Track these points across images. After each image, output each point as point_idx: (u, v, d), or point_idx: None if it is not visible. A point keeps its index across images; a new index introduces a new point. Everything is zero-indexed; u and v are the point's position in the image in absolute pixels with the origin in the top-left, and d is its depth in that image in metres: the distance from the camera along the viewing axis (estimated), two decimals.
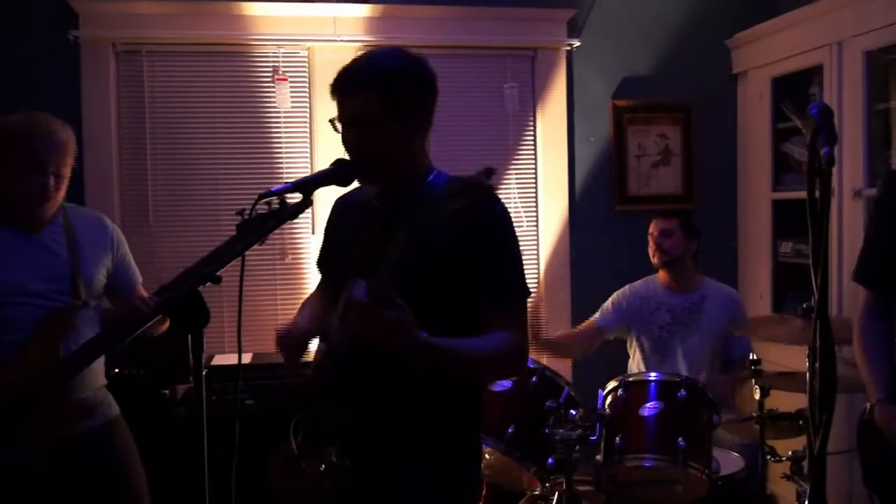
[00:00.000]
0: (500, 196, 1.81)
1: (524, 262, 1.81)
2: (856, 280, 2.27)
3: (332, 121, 1.75)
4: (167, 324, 2.47)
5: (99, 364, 2.44)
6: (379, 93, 1.67)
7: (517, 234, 1.79)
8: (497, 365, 1.74)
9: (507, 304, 1.74)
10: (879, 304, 2.21)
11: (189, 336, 1.44)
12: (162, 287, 2.11)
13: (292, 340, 1.84)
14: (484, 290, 1.71)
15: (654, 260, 3.45)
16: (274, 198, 1.59)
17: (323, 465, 1.79)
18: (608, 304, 3.57)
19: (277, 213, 1.59)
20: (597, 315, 3.58)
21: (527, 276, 1.81)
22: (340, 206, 2.00)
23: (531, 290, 3.98)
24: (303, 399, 1.90)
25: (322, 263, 2.03)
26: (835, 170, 3.52)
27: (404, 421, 1.74)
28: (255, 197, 1.64)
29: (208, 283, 1.47)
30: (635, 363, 3.47)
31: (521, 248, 1.80)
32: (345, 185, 1.74)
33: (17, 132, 2.25)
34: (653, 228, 3.47)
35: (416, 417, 1.74)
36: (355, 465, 1.78)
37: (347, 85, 1.71)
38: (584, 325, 3.61)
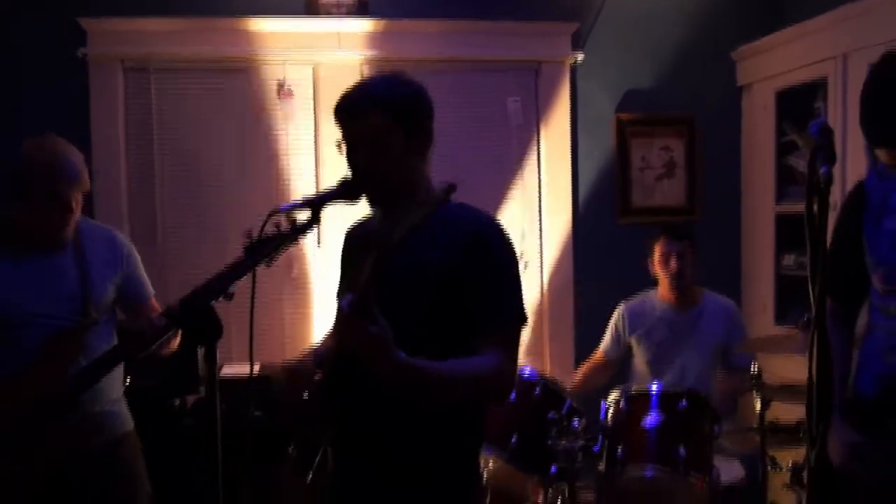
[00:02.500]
0: (504, 207, 1.84)
1: (527, 274, 1.82)
2: None
3: (338, 143, 1.78)
4: (177, 341, 2.48)
5: (114, 376, 2.43)
6: (386, 115, 1.71)
7: (517, 254, 1.80)
8: (480, 389, 1.70)
9: (499, 327, 1.72)
10: (838, 310, 2.22)
11: (202, 349, 1.47)
12: (169, 308, 2.12)
13: (296, 375, 1.87)
14: (476, 312, 1.71)
15: (670, 283, 3.39)
16: (282, 217, 1.62)
17: (312, 472, 1.81)
18: (608, 331, 3.59)
19: (285, 233, 1.62)
20: (603, 344, 3.60)
21: (525, 304, 1.78)
22: (350, 238, 2.02)
23: (536, 301, 4.04)
24: (302, 417, 1.92)
25: (340, 296, 2.02)
26: (838, 184, 3.56)
27: (398, 431, 1.74)
28: (263, 212, 1.67)
29: (220, 299, 1.50)
30: (636, 375, 3.49)
31: (518, 272, 1.78)
32: (353, 202, 1.77)
33: (39, 164, 2.26)
34: (665, 248, 3.38)
35: (410, 429, 1.74)
36: (348, 474, 1.80)
37: (354, 108, 1.74)
38: (595, 357, 3.62)
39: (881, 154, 2.15)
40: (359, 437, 1.78)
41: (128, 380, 2.55)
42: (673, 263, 3.36)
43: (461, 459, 1.81)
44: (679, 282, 3.39)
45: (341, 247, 2.03)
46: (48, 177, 2.25)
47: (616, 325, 3.58)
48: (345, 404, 1.79)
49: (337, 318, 1.50)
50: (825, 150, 1.44)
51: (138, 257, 2.56)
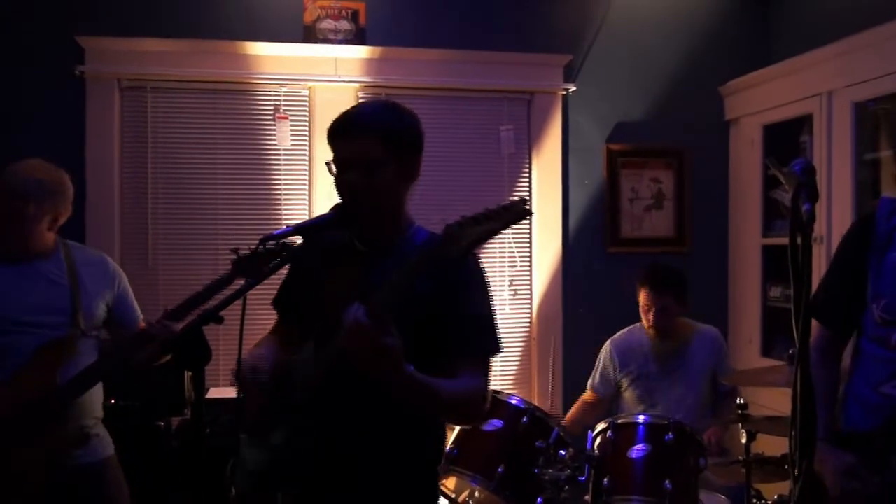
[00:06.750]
0: (495, 236, 1.85)
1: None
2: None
3: (328, 163, 1.80)
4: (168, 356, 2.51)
5: (97, 394, 2.48)
6: (381, 138, 1.74)
7: (492, 285, 1.85)
8: (460, 409, 1.77)
9: (476, 353, 1.78)
10: (830, 340, 2.21)
11: (189, 373, 1.48)
12: (167, 312, 2.29)
13: (255, 376, 1.80)
14: (455, 338, 1.76)
15: (650, 331, 3.44)
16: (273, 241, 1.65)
17: None
18: (597, 369, 3.58)
19: (277, 254, 1.65)
20: (592, 381, 3.59)
21: (500, 334, 1.84)
22: (312, 245, 1.95)
23: (525, 330, 4.06)
24: (250, 433, 1.90)
25: (280, 301, 2.01)
26: (823, 218, 3.58)
27: (368, 450, 1.77)
28: (256, 235, 1.69)
29: (211, 323, 1.51)
30: (626, 409, 3.49)
31: (493, 304, 1.85)
32: (344, 228, 1.79)
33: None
34: (646, 300, 3.41)
35: (380, 447, 1.77)
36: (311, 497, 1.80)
37: (350, 129, 1.76)
38: (585, 396, 3.61)
39: None
40: (332, 457, 1.78)
41: (112, 400, 2.56)
42: (651, 317, 3.40)
43: (425, 472, 1.87)
44: (658, 331, 3.41)
45: (302, 250, 1.94)
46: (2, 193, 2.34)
47: (605, 364, 3.56)
48: (324, 410, 1.77)
49: (351, 327, 1.51)
50: (808, 189, 1.47)
51: (126, 281, 2.62)
